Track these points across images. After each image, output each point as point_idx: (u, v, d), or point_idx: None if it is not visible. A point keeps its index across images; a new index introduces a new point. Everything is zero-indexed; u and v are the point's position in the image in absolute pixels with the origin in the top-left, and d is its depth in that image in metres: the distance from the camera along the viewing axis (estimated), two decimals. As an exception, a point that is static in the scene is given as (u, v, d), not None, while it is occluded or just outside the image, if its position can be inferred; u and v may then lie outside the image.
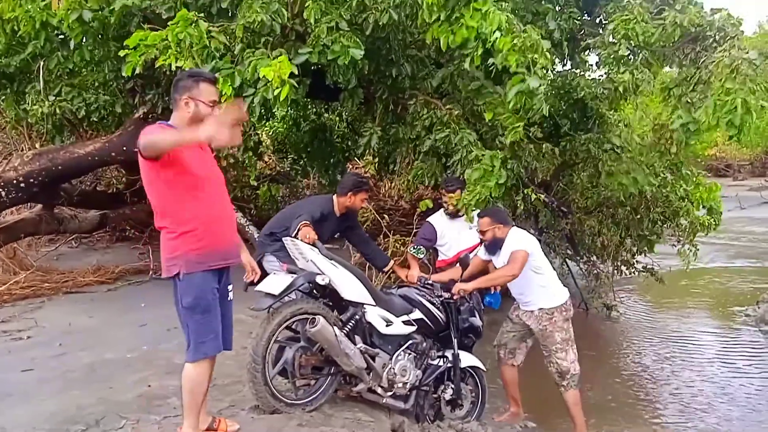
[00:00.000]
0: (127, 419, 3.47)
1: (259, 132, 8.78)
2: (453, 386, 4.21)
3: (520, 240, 4.29)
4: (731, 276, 10.53)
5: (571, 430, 4.54)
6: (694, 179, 6.61)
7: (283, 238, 3.97)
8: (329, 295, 3.75)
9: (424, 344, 4.13)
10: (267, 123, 9.94)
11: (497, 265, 4.41)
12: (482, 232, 4.40)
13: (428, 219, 5.34)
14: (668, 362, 6.28)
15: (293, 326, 3.66)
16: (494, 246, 4.36)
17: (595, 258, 7.72)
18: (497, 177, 4.94)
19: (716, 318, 7.99)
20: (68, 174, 7.01)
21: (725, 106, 4.92)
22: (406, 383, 3.91)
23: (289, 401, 3.54)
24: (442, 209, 5.28)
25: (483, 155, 5.08)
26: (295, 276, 3.55)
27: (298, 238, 3.92)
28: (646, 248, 7.32)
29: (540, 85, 4.46)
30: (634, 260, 7.70)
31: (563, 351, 4.33)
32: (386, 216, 6.24)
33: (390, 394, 3.88)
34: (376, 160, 6.74)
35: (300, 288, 3.59)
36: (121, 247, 9.01)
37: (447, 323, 4.24)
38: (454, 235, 5.14)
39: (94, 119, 7.00)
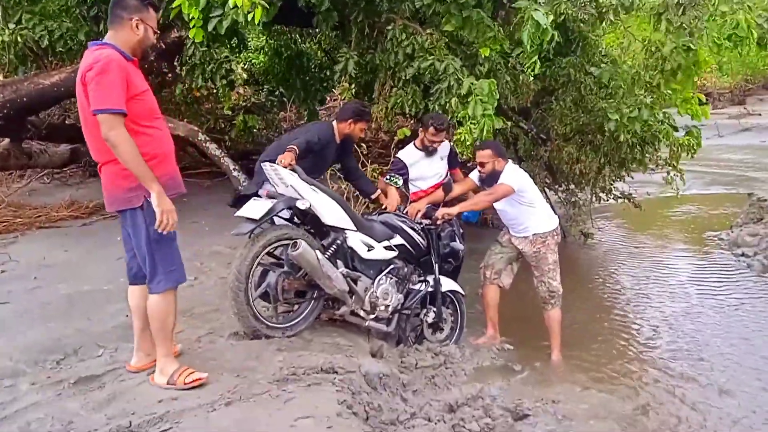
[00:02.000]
0: (105, 348, 3.49)
1: (232, 62, 8.51)
2: (434, 310, 4.35)
3: (512, 176, 4.44)
4: (706, 202, 10.67)
5: (547, 351, 4.68)
6: (680, 95, 6.49)
7: (262, 164, 3.87)
8: (310, 222, 3.77)
9: (405, 269, 4.20)
10: (241, 54, 9.63)
11: None
12: (481, 164, 4.51)
13: (398, 155, 5.28)
14: (642, 286, 6.39)
15: (276, 252, 3.67)
16: (491, 178, 4.50)
17: (573, 186, 7.74)
18: (494, 104, 4.92)
19: (691, 243, 8.12)
20: (34, 106, 6.75)
21: (725, 26, 4.93)
22: (388, 306, 4.01)
23: (270, 324, 3.57)
24: (412, 144, 5.21)
25: (474, 85, 4.98)
26: (274, 201, 3.52)
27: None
28: (624, 174, 7.33)
29: (550, 20, 4.56)
30: (612, 187, 7.73)
31: (554, 272, 4.57)
32: (364, 146, 6.14)
33: (372, 317, 3.97)
34: (353, 87, 6.55)
35: (280, 213, 3.58)
36: (95, 182, 8.77)
37: (428, 249, 4.33)
38: (426, 168, 5.10)
39: (60, 49, 6.70)
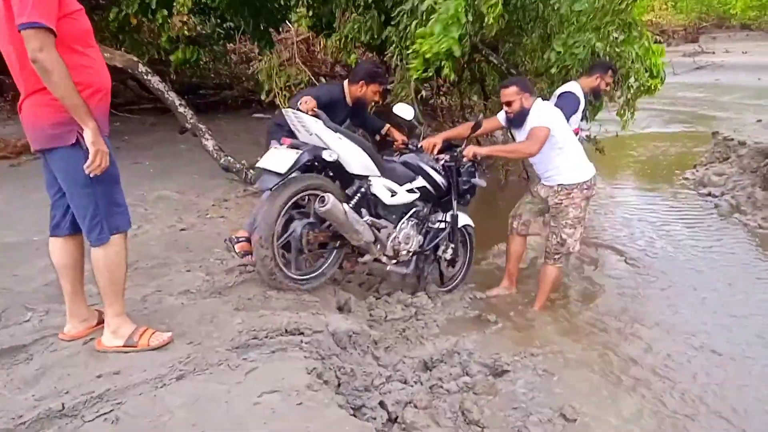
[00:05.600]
0: (33, 311, 3.03)
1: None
2: (452, 246, 4.29)
3: (544, 114, 3.98)
4: (667, 141, 10.62)
5: (523, 301, 4.47)
6: (645, 42, 6.28)
7: (284, 110, 3.61)
8: (334, 169, 3.60)
9: (425, 210, 4.13)
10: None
11: (518, 137, 4.20)
12: (508, 103, 4.04)
13: (568, 90, 4.83)
14: (608, 229, 6.20)
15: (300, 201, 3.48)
16: (519, 118, 4.05)
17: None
18: (460, 28, 4.46)
19: (655, 182, 8.00)
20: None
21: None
22: (410, 250, 3.96)
23: (296, 277, 3.44)
24: (577, 85, 4.89)
25: (439, 3, 4.52)
26: (299, 151, 3.26)
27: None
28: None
29: None
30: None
31: (572, 228, 4.15)
32: (323, 80, 5.64)
33: (394, 261, 3.93)
34: (310, 13, 5.96)
35: (305, 163, 3.34)
36: (25, 118, 8.04)
37: (448, 189, 4.20)
38: (580, 110, 4.88)
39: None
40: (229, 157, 5.55)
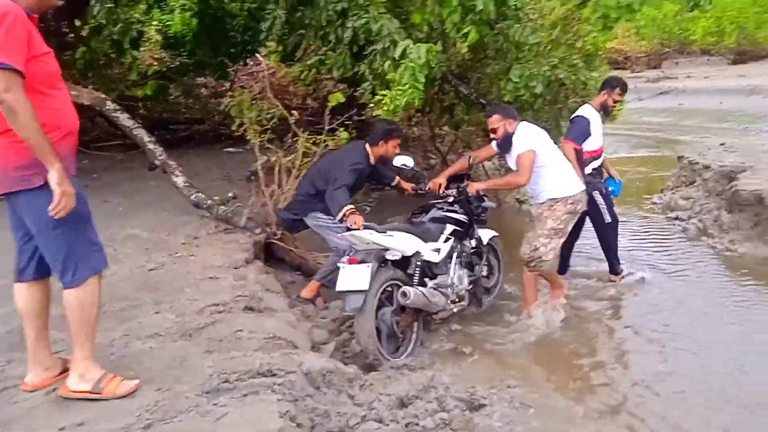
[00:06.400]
0: (-5, 361, 2.93)
1: (144, 23, 7.69)
2: (485, 264, 4.83)
3: (527, 138, 4.23)
4: (635, 165, 10.82)
5: (497, 330, 4.47)
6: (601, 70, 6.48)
7: (341, 235, 4.13)
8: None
9: (459, 247, 4.54)
10: (154, 16, 8.76)
11: (509, 162, 4.49)
12: (493, 131, 4.34)
13: (579, 114, 5.10)
14: (579, 253, 6.23)
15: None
16: (506, 142, 4.32)
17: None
18: (425, 72, 4.58)
19: (624, 206, 8.10)
20: None
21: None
22: (466, 288, 4.48)
23: (402, 360, 3.89)
24: (589, 106, 5.15)
25: (411, 48, 4.62)
26: (369, 264, 3.78)
27: (346, 222, 4.07)
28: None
29: None
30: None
31: (547, 238, 4.35)
32: (296, 113, 5.63)
33: (459, 303, 4.40)
34: (281, 48, 5.98)
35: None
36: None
37: (470, 221, 4.60)
38: (599, 128, 5.10)
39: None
40: (200, 194, 5.49)
